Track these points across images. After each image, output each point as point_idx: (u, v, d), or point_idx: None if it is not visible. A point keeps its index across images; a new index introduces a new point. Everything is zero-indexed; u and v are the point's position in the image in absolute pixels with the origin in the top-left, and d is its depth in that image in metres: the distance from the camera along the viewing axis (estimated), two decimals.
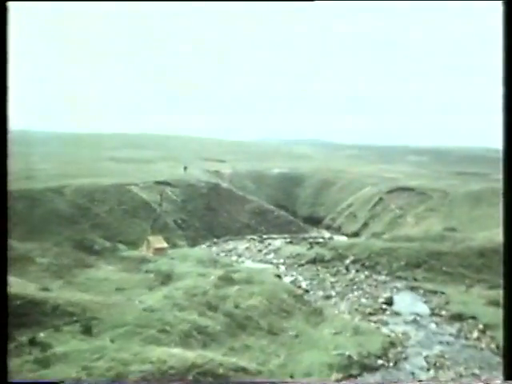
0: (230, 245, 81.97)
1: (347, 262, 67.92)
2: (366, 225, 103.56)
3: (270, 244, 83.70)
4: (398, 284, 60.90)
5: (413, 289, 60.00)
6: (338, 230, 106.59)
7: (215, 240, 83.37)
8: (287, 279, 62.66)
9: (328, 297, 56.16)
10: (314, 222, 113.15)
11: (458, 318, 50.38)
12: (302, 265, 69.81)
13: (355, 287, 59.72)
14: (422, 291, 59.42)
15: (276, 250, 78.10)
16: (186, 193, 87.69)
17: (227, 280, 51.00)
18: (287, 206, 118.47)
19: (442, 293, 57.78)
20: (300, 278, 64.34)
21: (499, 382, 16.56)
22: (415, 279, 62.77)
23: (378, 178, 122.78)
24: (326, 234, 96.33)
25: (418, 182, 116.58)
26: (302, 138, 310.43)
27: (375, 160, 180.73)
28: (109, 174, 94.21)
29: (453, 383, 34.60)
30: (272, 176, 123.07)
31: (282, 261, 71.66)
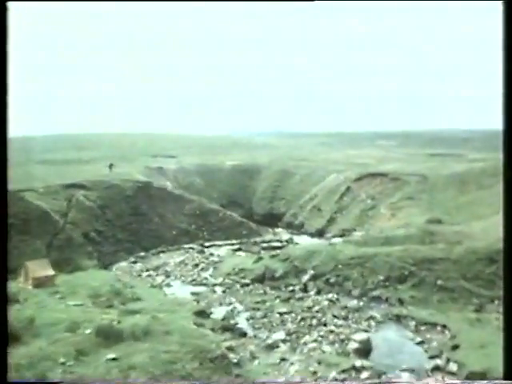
0: (161, 259, 61.05)
1: (305, 278, 47.66)
2: (332, 220, 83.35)
3: (211, 254, 63.04)
4: (377, 312, 40.63)
5: (398, 319, 39.11)
6: (301, 228, 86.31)
7: (142, 254, 62.34)
8: (220, 312, 42.32)
9: (272, 346, 35.88)
10: (274, 219, 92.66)
11: (480, 377, 29.58)
12: (247, 284, 49.55)
13: (314, 321, 39.23)
14: (412, 323, 38.05)
15: (217, 264, 57.43)
16: (107, 196, 66.54)
17: (108, 335, 30.52)
18: (242, 202, 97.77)
19: (444, 326, 37.10)
20: (239, 307, 43.80)
21: (499, 381, 15.37)
22: (400, 301, 42.57)
23: (345, 164, 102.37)
24: (285, 235, 75.45)
25: (390, 166, 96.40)
26: (271, 130, 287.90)
27: (342, 146, 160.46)
28: (22, 179, 72.66)
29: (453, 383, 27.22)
30: (224, 170, 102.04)
31: (220, 280, 51.08)
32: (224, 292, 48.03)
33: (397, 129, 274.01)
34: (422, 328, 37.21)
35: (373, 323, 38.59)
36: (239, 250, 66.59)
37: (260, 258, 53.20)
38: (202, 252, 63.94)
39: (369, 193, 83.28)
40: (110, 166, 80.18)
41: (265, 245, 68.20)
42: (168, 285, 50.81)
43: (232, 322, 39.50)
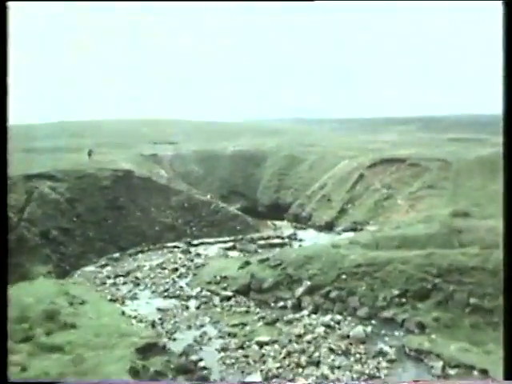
0: (137, 261, 50.38)
1: (300, 291, 36.76)
2: (343, 211, 72.17)
3: (197, 255, 52.15)
4: (389, 343, 29.34)
5: (419, 356, 27.23)
6: (308, 220, 75.33)
7: (116, 255, 51.71)
8: (184, 340, 31.63)
9: None
10: (280, 210, 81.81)
11: None
12: (228, 298, 38.85)
13: (304, 359, 27.45)
14: (438, 364, 25.58)
15: (199, 269, 46.61)
16: (78, 188, 55.98)
17: None
18: (245, 192, 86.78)
19: (484, 370, 24.40)
20: (211, 332, 33.02)
21: (499, 381, 14.25)
22: (421, 326, 30.07)
23: (358, 149, 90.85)
24: (287, 231, 64.22)
25: (408, 151, 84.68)
26: (289, 116, 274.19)
27: (356, 132, 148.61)
28: None
29: (453, 383, 26.33)
30: (226, 156, 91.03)
31: (197, 291, 40.28)
32: (198, 308, 37.17)
33: (415, 114, 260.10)
34: (452, 372, 25.86)
35: (383, 363, 27.34)
36: (233, 248, 55.90)
37: (246, 263, 42.10)
38: (187, 252, 53.20)
39: (384, 181, 71.91)
40: (89, 152, 69.63)
41: (263, 242, 57.36)
42: (134, 297, 40.09)
43: (194, 358, 28.57)
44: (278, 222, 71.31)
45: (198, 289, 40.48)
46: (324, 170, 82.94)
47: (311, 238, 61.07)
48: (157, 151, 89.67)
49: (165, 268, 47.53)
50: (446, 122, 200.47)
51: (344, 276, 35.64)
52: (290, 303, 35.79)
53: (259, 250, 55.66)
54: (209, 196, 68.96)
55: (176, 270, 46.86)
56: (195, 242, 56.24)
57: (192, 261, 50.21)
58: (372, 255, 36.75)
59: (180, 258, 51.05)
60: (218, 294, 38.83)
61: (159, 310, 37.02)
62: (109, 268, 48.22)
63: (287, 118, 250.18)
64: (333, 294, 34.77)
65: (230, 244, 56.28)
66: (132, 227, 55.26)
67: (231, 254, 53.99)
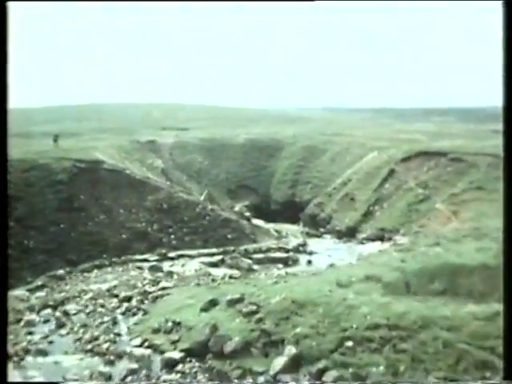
0: (86, 282, 36.68)
1: (279, 363, 22.31)
2: (368, 214, 57.29)
3: (170, 275, 38.12)
4: None
5: None
6: (327, 223, 60.77)
7: (60, 272, 37.99)
8: None
9: None
10: (295, 209, 67.54)
11: None
12: (174, 363, 24.76)
13: None
14: None
15: (155, 302, 32.48)
16: (23, 183, 42.58)
17: None
18: (256, 187, 72.53)
19: None
20: None
21: (499, 381, 13.62)
22: None
23: (390, 140, 75.53)
24: (295, 240, 49.42)
25: (448, 142, 69.18)
26: (319, 105, 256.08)
27: (388, 121, 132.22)
28: None
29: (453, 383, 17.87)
30: (237, 145, 76.75)
31: (135, 344, 26.38)
32: (124, 379, 23.13)
33: (453, 105, 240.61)
34: None
35: None
36: (221, 263, 41.92)
37: (212, 303, 27.51)
38: (157, 269, 39.28)
39: (420, 179, 56.71)
40: (55, 138, 55.91)
41: (260, 256, 43.23)
42: (42, 350, 26.24)
43: None
44: (287, 226, 56.99)
45: (138, 340, 26.22)
46: (348, 164, 68.13)
47: (324, 252, 46.74)
48: (160, 138, 75.79)
49: (115, 295, 33.62)
50: (484, 114, 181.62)
51: (350, 343, 20.97)
52: (262, 381, 21.38)
53: (255, 267, 41.72)
54: (204, 196, 54.75)
55: (129, 299, 32.75)
56: (172, 254, 42.30)
57: (158, 283, 36.28)
58: (398, 309, 21.89)
59: (144, 279, 37.11)
60: (162, 353, 24.52)
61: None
62: (41, 293, 34.46)
63: (317, 106, 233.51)
64: (330, 375, 20.17)
65: (218, 258, 42.21)
66: (90, 234, 41.46)
67: (216, 272, 40.03)
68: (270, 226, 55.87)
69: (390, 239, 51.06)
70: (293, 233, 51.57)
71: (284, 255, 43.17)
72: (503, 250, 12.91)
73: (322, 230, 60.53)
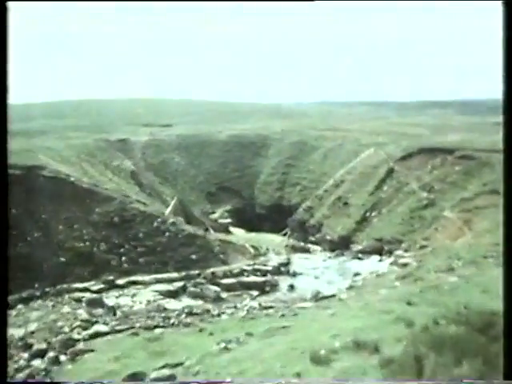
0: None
1: None
2: (365, 221, 48.42)
3: (112, 311, 29.51)
4: None
5: None
6: (318, 231, 51.92)
7: None
8: None
9: None
10: (283, 214, 58.65)
11: None
12: None
13: None
14: None
15: (69, 365, 23.77)
16: None
17: None
18: (240, 189, 63.54)
19: None
20: None
21: (499, 381, 9.83)
22: None
23: (388, 134, 66.45)
24: (275, 258, 39.96)
25: (453, 137, 60.00)
26: (319, 99, 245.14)
27: (386, 114, 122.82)
28: None
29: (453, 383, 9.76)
30: (219, 142, 67.56)
31: None
32: None
33: (450, 98, 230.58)
34: None
35: None
36: (182, 291, 33.00)
37: (136, 377, 18.56)
38: (96, 304, 30.34)
39: (423, 180, 47.70)
40: None
41: (232, 280, 34.18)
42: None
43: None
44: (270, 237, 47.95)
45: None
46: (341, 163, 59.10)
47: (311, 272, 37.66)
48: (134, 136, 66.63)
49: (28, 346, 24.63)
50: (485, 106, 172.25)
51: None
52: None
53: (224, 295, 32.76)
54: (173, 204, 45.73)
55: (43, 354, 23.76)
56: (121, 281, 33.23)
57: (92, 325, 27.35)
58: None
59: (75, 319, 28.03)
60: None
61: None
62: None
63: (314, 101, 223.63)
64: None
65: (178, 285, 33.18)
66: (20, 257, 32.37)
67: (173, 304, 31.28)
68: (251, 236, 46.98)
69: (389, 253, 42.25)
70: (275, 246, 42.42)
71: (260, 279, 34.22)
72: (503, 249, 9.94)
73: (311, 238, 51.85)
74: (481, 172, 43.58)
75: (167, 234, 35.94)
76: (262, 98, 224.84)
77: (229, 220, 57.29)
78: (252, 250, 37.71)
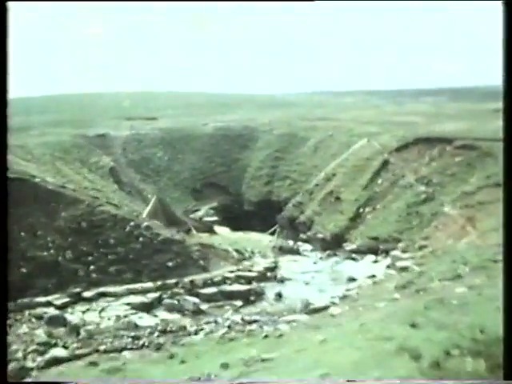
0: None
1: None
2: (358, 218, 44.71)
3: (75, 331, 25.72)
4: None
5: None
6: (308, 229, 48.30)
7: None
8: None
9: None
10: (272, 210, 55.03)
11: None
12: None
13: None
14: None
15: None
16: None
17: None
18: (227, 184, 59.80)
19: None
20: None
21: (499, 381, 11.23)
22: None
23: (382, 123, 62.78)
24: (262, 262, 36.03)
25: (451, 125, 56.28)
26: (306, 90, 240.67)
27: (379, 103, 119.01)
28: None
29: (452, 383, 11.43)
30: (204, 135, 63.72)
31: None
32: None
33: (442, 85, 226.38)
34: None
35: None
36: (158, 303, 29.39)
37: None
38: (57, 322, 26.68)
39: (420, 172, 44.06)
40: None
41: (212, 290, 30.56)
42: None
43: None
44: (257, 236, 44.42)
45: None
46: (332, 155, 55.47)
47: (300, 277, 34.07)
48: (115, 130, 62.72)
49: None
50: (478, 92, 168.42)
51: None
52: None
53: (204, 307, 29.26)
54: (153, 203, 42.03)
55: None
56: (89, 293, 29.51)
57: (50, 348, 23.76)
58: None
59: (32, 342, 24.46)
60: None
61: None
62: None
63: (304, 91, 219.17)
64: None
65: (153, 296, 29.46)
66: None
67: (145, 321, 27.75)
68: (236, 236, 43.35)
69: (385, 252, 38.74)
70: (262, 248, 38.73)
71: (244, 288, 30.55)
72: (503, 249, 11.39)
73: (302, 236, 48.28)
74: (483, 163, 40.02)
75: (141, 239, 32.21)
76: (251, 89, 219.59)
77: (215, 218, 53.69)
78: (235, 254, 34.03)
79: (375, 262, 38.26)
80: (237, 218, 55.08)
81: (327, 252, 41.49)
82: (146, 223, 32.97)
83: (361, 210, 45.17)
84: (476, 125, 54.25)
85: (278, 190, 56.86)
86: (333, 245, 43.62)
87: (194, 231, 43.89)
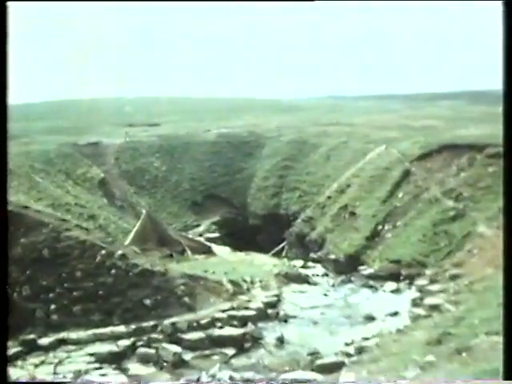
0: None
1: None
2: (376, 237, 38.42)
3: None
4: None
5: None
6: (320, 247, 42.18)
7: None
8: None
9: None
10: (281, 224, 49.10)
11: None
12: None
13: None
14: None
15: None
16: None
17: None
18: (230, 196, 53.83)
19: None
20: None
21: (499, 381, 11.62)
22: None
23: (401, 128, 56.61)
24: (261, 294, 29.95)
25: (477, 130, 49.84)
26: (320, 95, 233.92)
27: (396, 107, 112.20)
28: None
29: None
30: (206, 142, 57.92)
31: None
32: None
33: (457, 89, 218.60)
34: None
35: None
36: (131, 352, 23.42)
37: None
38: None
39: (447, 184, 37.73)
40: None
41: (198, 335, 24.63)
42: None
43: None
44: (262, 259, 38.25)
45: None
46: (347, 163, 49.38)
47: (308, 314, 27.98)
48: (114, 137, 57.19)
49: None
50: (495, 96, 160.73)
51: None
52: None
53: (187, 357, 23.27)
54: (142, 219, 36.26)
55: None
56: (46, 340, 23.66)
57: None
58: None
59: None
60: None
61: None
62: None
63: (316, 96, 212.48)
64: None
65: (125, 343, 23.45)
66: None
67: (111, 379, 21.22)
68: (237, 258, 37.32)
69: (409, 279, 32.54)
70: (264, 275, 32.47)
71: (238, 332, 24.40)
72: (503, 249, 11.03)
73: (312, 255, 42.28)
74: None
75: (114, 271, 26.24)
76: (261, 94, 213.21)
77: (216, 234, 47.77)
78: (230, 287, 27.86)
79: (397, 291, 32.03)
80: (241, 234, 49.33)
81: (341, 278, 35.32)
82: (120, 251, 27.00)
83: (379, 227, 39.06)
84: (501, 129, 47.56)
85: (287, 203, 50.84)
86: (347, 267, 37.64)
87: (188, 252, 37.96)
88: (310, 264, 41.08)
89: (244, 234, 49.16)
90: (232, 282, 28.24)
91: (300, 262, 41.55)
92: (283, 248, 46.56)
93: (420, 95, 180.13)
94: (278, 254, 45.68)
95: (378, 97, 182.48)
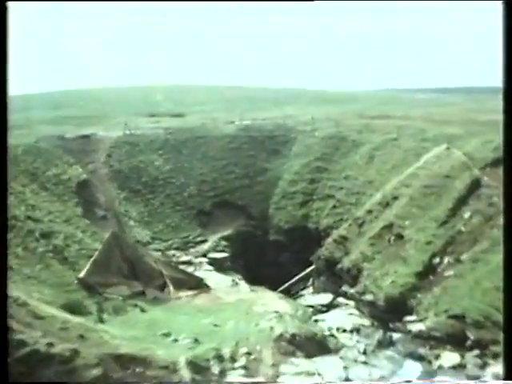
0: None
1: None
2: (431, 274, 26.99)
3: None
4: None
5: None
6: (355, 279, 30.99)
7: None
8: None
9: None
10: (309, 242, 38.06)
11: None
12: None
13: None
14: None
15: None
16: None
17: None
18: (248, 204, 42.80)
19: None
20: None
21: (499, 381, 12.73)
22: None
23: (464, 123, 44.17)
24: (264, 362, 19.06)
25: None
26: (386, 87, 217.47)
27: (456, 100, 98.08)
28: None
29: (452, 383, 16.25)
30: (223, 136, 47.14)
31: None
32: None
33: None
34: None
35: None
36: None
37: None
38: None
39: None
40: None
41: None
42: None
43: None
44: (267, 299, 27.21)
45: None
46: (395, 167, 37.62)
47: None
48: (106, 130, 47.24)
49: None
50: None
51: None
52: None
53: None
54: (108, 237, 25.99)
55: None
56: None
57: None
58: None
59: None
60: None
61: None
62: None
63: (369, 88, 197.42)
64: None
65: None
66: None
67: None
68: (239, 299, 26.36)
69: (480, 349, 20.83)
70: (259, 338, 21.28)
71: None
72: (503, 249, 11.45)
73: (343, 289, 31.05)
74: None
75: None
76: (322, 87, 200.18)
77: (224, 254, 37.08)
78: (187, 375, 16.78)
79: (460, 367, 20.49)
80: (257, 253, 38.50)
81: (377, 336, 23.82)
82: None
83: (436, 260, 27.47)
84: None
85: (318, 215, 39.60)
86: (388, 315, 26.22)
87: (170, 288, 27.37)
88: (340, 300, 30.04)
89: (262, 254, 38.40)
90: (194, 364, 17.16)
91: (327, 298, 30.60)
92: (311, 272, 35.67)
93: (483, 88, 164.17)
94: (300, 284, 34.77)
95: (436, 90, 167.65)
